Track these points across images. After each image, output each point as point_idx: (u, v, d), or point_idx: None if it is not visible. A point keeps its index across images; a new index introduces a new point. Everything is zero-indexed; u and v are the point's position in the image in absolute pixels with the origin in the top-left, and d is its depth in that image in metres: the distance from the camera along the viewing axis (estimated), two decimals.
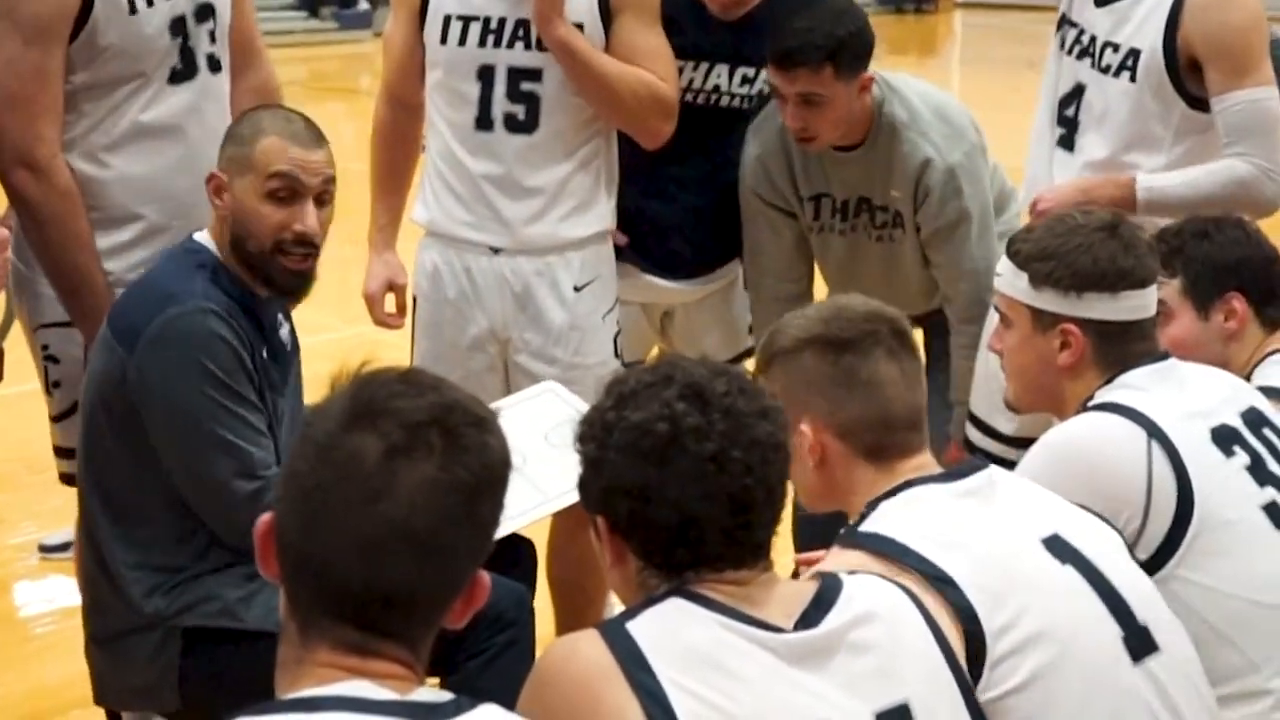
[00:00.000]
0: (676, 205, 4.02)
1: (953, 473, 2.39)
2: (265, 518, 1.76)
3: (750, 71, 3.98)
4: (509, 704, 1.82)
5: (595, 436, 2.06)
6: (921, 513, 2.31)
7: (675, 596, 2.02)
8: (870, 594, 2.10)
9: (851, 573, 2.16)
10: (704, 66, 3.96)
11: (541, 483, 3.19)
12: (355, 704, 1.67)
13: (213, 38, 3.56)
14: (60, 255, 3.44)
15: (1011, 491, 2.41)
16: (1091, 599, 2.29)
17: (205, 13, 3.55)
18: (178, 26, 3.49)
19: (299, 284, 3.13)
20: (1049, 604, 2.23)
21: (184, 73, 3.51)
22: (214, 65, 3.57)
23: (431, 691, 1.74)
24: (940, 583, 2.20)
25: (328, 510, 1.71)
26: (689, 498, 2.01)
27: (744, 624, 2.00)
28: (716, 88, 3.98)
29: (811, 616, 2.04)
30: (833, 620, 2.04)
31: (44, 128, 3.38)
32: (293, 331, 3.32)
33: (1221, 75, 3.62)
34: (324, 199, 3.12)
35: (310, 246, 3.10)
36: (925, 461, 2.41)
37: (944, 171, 3.81)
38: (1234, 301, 3.20)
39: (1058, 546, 2.32)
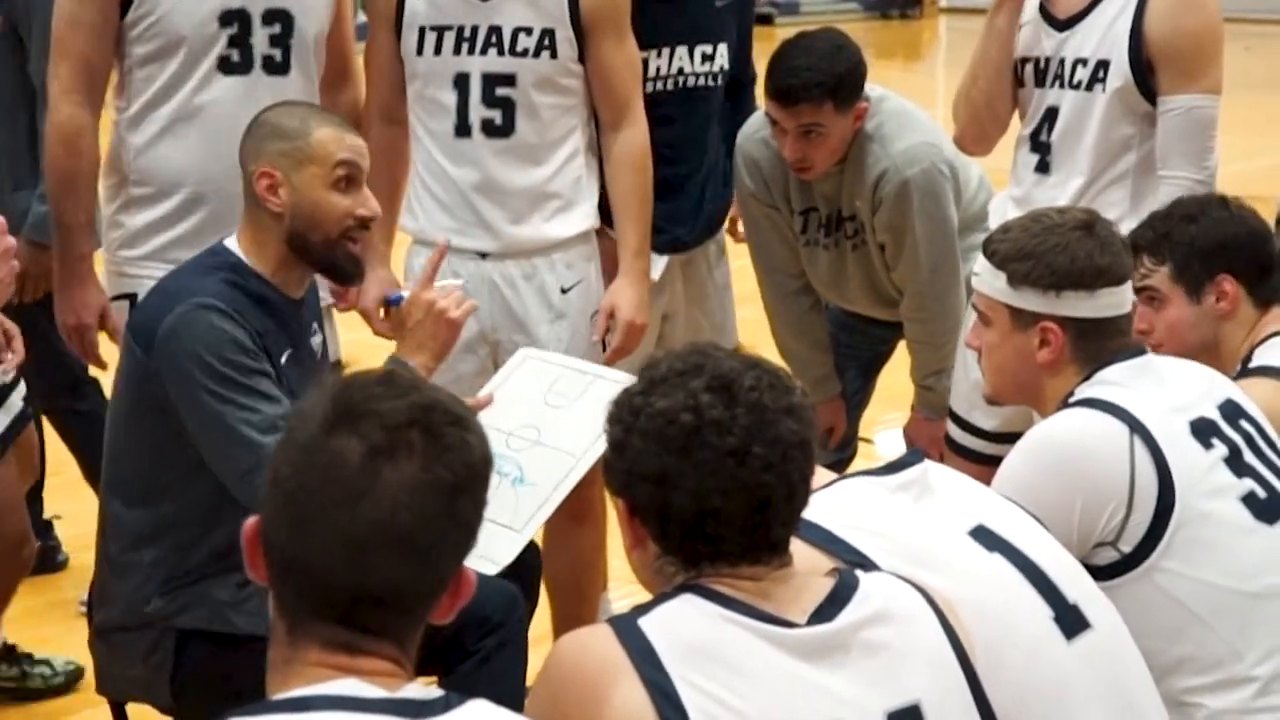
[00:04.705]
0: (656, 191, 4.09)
1: (889, 466, 2.41)
2: (251, 521, 1.78)
3: (708, 49, 4.10)
4: (503, 705, 1.83)
5: (622, 419, 2.07)
6: (853, 503, 2.34)
7: (688, 592, 2.03)
8: (886, 593, 2.10)
9: (865, 569, 2.17)
10: (666, 51, 4.07)
11: (565, 445, 3.25)
12: (346, 702, 1.69)
13: (276, 42, 3.66)
14: (49, 189, 3.72)
15: (943, 486, 2.43)
16: (1020, 583, 2.32)
17: (274, 17, 3.64)
18: (231, 18, 3.61)
19: (358, 267, 3.20)
20: (976, 592, 2.24)
21: (238, 66, 3.63)
22: (273, 67, 3.66)
23: (421, 688, 1.76)
24: (863, 569, 2.20)
25: (312, 513, 1.72)
26: (707, 490, 2.01)
27: (757, 620, 2.00)
28: (680, 70, 4.10)
29: (826, 612, 2.04)
30: (847, 617, 2.04)
31: (62, 68, 3.65)
32: (324, 342, 3.35)
33: (1168, 78, 3.68)
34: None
35: (367, 228, 3.17)
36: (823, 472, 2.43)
37: (897, 184, 3.96)
38: (1224, 283, 3.21)
39: (984, 536, 2.35)
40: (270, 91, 3.62)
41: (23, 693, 4.17)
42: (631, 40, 3.85)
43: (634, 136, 3.85)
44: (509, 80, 3.75)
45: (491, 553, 3.07)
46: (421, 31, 3.78)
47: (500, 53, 3.74)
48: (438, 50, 3.77)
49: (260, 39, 3.64)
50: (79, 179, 3.66)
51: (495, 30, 3.74)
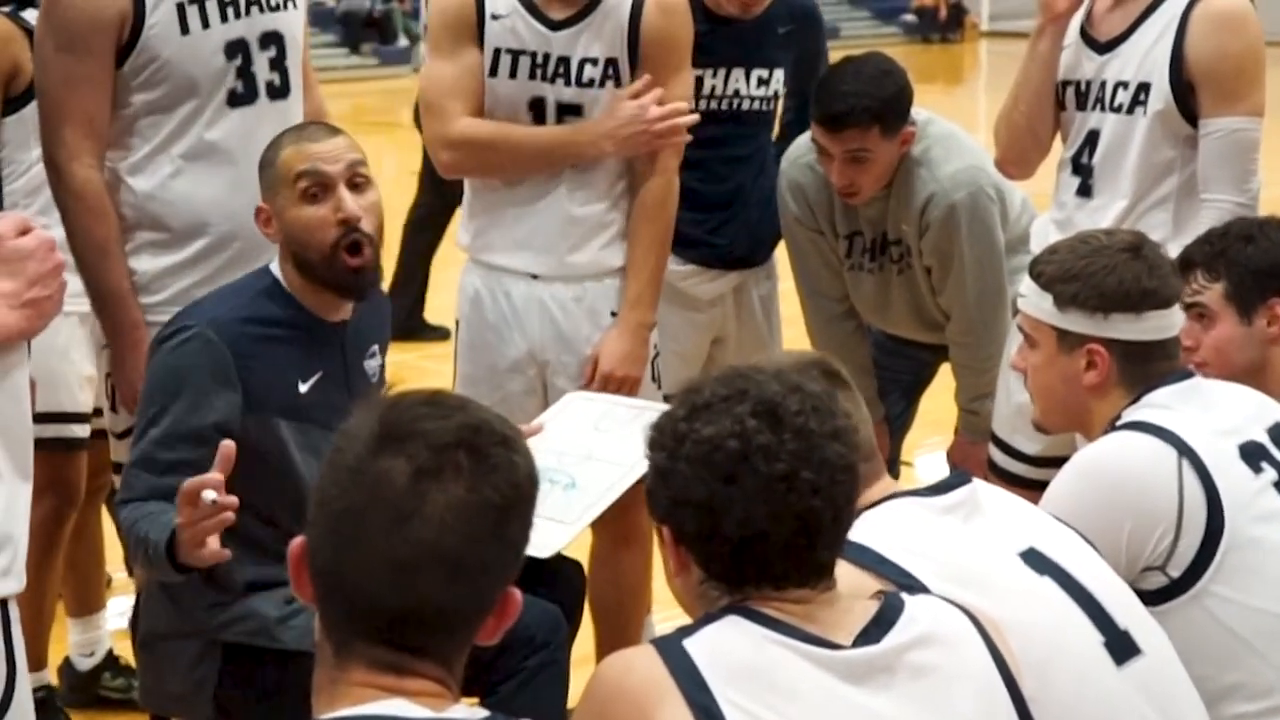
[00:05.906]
0: (706, 204, 4.14)
1: (937, 487, 2.41)
2: (298, 541, 1.79)
3: (764, 73, 4.15)
4: None
5: (666, 446, 2.06)
6: (901, 524, 2.33)
7: (733, 614, 2.02)
8: (932, 615, 2.09)
9: (911, 592, 2.16)
10: (722, 73, 4.11)
11: (617, 458, 3.26)
12: None
13: (274, 65, 3.61)
14: (80, 258, 3.52)
15: (992, 507, 2.42)
16: (1070, 608, 2.31)
17: (269, 40, 3.60)
18: (235, 50, 3.54)
19: (359, 282, 3.14)
20: (1025, 616, 2.22)
21: (244, 96, 3.56)
22: (275, 91, 3.61)
23: (467, 709, 1.76)
24: (913, 591, 2.19)
25: (358, 533, 1.73)
26: (755, 516, 2.00)
27: (802, 642, 2.00)
28: (737, 92, 4.15)
29: (872, 634, 2.03)
30: (893, 639, 2.03)
31: (66, 132, 3.48)
32: (383, 366, 3.34)
33: (1210, 100, 3.66)
34: (356, 183, 3.12)
35: (358, 233, 3.09)
36: (886, 485, 2.43)
37: (944, 208, 3.97)
38: (1277, 306, 3.16)
39: (1035, 559, 2.34)
40: (275, 117, 3.58)
41: (129, 704, 4.15)
42: (683, 87, 3.87)
43: (657, 185, 3.84)
44: (576, 110, 3.78)
45: (540, 542, 3.07)
46: (497, 53, 3.79)
47: (567, 83, 3.77)
48: (513, 74, 3.78)
49: (261, 65, 3.58)
50: (111, 242, 3.51)
51: (564, 60, 3.76)
